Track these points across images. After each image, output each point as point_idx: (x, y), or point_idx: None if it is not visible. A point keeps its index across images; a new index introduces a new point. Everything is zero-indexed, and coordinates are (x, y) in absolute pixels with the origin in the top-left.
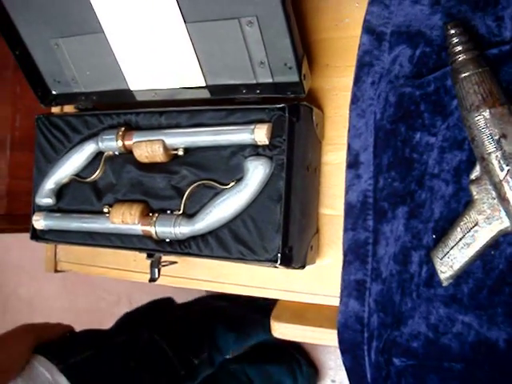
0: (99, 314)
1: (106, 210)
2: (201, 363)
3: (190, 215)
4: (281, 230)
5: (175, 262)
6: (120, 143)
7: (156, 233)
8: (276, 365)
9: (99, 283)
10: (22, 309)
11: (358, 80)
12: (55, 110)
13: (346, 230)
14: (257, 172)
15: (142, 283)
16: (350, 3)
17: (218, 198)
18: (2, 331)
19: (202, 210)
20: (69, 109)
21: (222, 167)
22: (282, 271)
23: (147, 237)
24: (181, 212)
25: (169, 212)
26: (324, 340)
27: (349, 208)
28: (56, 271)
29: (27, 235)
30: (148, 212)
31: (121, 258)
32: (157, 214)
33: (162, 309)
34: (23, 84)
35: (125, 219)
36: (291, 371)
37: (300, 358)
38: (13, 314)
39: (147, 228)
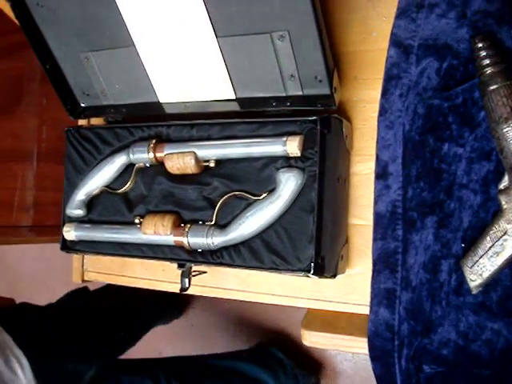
0: None
1: (137, 221)
2: None
3: (222, 226)
4: (314, 240)
5: (205, 272)
6: (151, 155)
7: (188, 243)
8: (251, 363)
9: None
10: None
11: (385, 92)
12: (82, 122)
13: (375, 239)
14: (289, 183)
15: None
16: (378, 17)
17: (250, 208)
18: None
19: (234, 220)
20: (95, 121)
21: (253, 178)
22: (311, 280)
23: (179, 247)
24: (213, 223)
25: (200, 223)
26: (354, 348)
27: (378, 218)
28: (83, 281)
29: (40, 246)
30: (180, 223)
31: (149, 268)
32: (189, 225)
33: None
34: (49, 96)
35: (157, 230)
36: (271, 370)
37: (284, 357)
38: None
39: (179, 238)
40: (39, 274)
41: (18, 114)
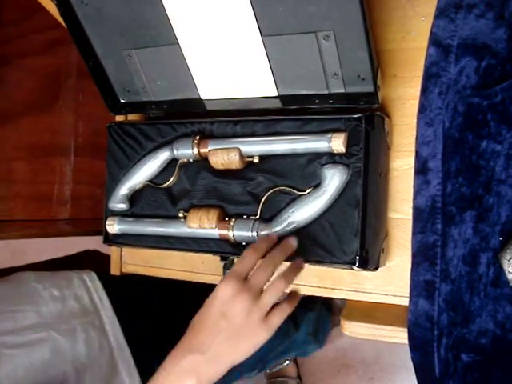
0: None
1: (181, 214)
2: None
3: (266, 219)
4: (358, 234)
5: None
6: (195, 151)
7: (233, 236)
8: None
9: None
10: None
11: (425, 90)
12: (119, 117)
13: (414, 233)
14: (335, 179)
15: None
16: (416, 17)
17: (295, 203)
18: None
19: (279, 214)
20: (132, 117)
21: (298, 174)
22: (350, 273)
23: (223, 240)
24: (257, 217)
25: (245, 217)
26: (394, 338)
27: (417, 212)
28: (121, 273)
29: (62, 239)
30: (224, 216)
31: (188, 260)
32: (234, 219)
33: None
34: (85, 92)
35: (202, 224)
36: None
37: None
38: None
39: (224, 232)
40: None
41: (56, 109)
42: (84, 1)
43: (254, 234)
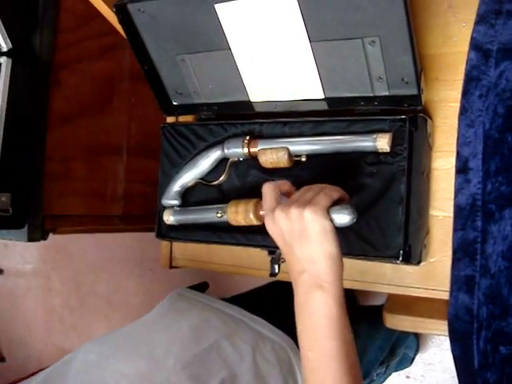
0: None
1: (219, 215)
2: None
3: None
4: (402, 230)
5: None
6: (246, 150)
7: None
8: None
9: (176, 280)
10: (99, 305)
11: (466, 93)
12: (169, 119)
13: (455, 230)
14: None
15: None
16: (457, 22)
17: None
18: (80, 326)
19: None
20: (182, 118)
21: (343, 172)
22: (392, 268)
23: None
24: None
25: None
26: (434, 330)
27: (458, 210)
28: (171, 267)
29: (104, 235)
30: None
31: (235, 255)
32: None
33: None
34: (137, 95)
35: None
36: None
37: None
38: (90, 309)
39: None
40: (101, 264)
41: (110, 111)
42: (141, 8)
43: None
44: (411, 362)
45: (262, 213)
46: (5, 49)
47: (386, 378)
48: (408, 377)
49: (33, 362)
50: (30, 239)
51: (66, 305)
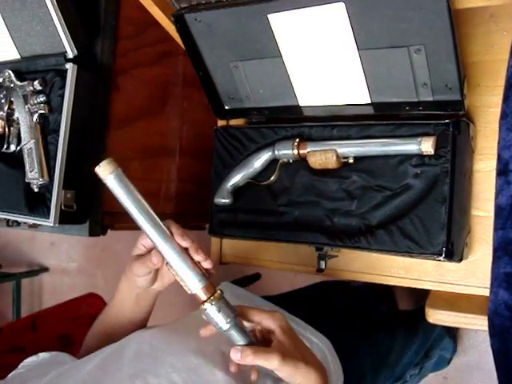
0: None
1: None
2: None
3: (361, 214)
4: (445, 228)
5: (336, 256)
6: (295, 152)
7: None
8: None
9: (218, 279)
10: None
11: (507, 98)
12: (221, 122)
13: (496, 229)
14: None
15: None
16: (499, 31)
17: (388, 199)
18: None
19: (373, 209)
20: (232, 121)
21: (389, 173)
22: (434, 265)
23: (319, 232)
24: (353, 210)
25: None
26: (475, 325)
27: (499, 210)
28: (221, 263)
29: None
30: None
31: (283, 252)
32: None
33: None
34: (189, 100)
35: None
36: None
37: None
38: None
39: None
40: None
41: (165, 114)
42: (197, 18)
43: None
44: (448, 363)
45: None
46: (71, 55)
47: (420, 379)
48: (445, 377)
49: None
50: (91, 234)
51: None
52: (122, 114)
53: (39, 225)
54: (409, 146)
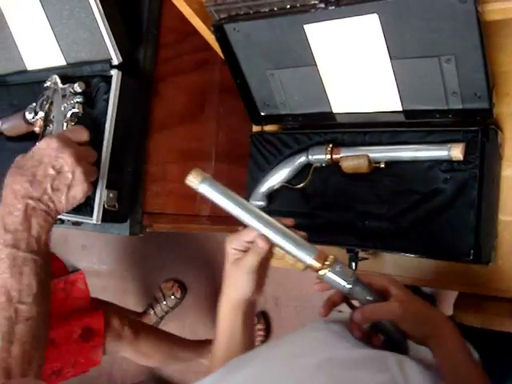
0: None
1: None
2: None
3: (392, 217)
4: (473, 231)
5: (366, 258)
6: (328, 156)
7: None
8: None
9: None
10: None
11: None
12: (255, 128)
13: None
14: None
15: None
16: None
17: (418, 203)
18: None
19: (404, 213)
20: (266, 127)
21: (419, 178)
22: (462, 268)
23: (351, 234)
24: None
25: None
26: (502, 327)
27: None
28: None
29: (177, 239)
30: None
31: None
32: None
33: None
34: (225, 106)
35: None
36: None
37: None
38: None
39: None
40: (174, 266)
41: (202, 120)
42: (236, 28)
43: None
44: None
45: None
46: (116, 62)
47: None
48: None
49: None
50: (132, 233)
51: (140, 303)
52: (161, 118)
53: (82, 223)
54: (439, 152)
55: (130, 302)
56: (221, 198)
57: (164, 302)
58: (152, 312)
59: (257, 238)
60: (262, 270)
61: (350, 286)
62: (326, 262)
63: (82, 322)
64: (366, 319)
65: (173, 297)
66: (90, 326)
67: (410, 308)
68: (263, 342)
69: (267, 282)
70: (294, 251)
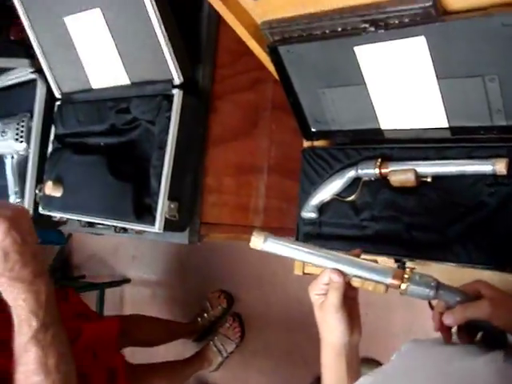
0: None
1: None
2: None
3: (438, 228)
4: None
5: (413, 268)
6: (377, 171)
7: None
8: None
9: (293, 291)
10: None
11: None
12: (306, 143)
13: None
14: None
15: None
16: None
17: (464, 215)
18: None
19: (450, 224)
20: (317, 143)
21: (465, 192)
22: (505, 278)
23: (398, 244)
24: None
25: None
26: None
27: None
28: (304, 274)
29: (227, 250)
30: None
31: None
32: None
33: None
34: (277, 122)
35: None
36: None
37: None
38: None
39: None
40: (221, 277)
41: (255, 135)
42: (290, 50)
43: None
44: None
45: None
46: (177, 82)
47: None
48: None
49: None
50: (190, 242)
51: (187, 313)
52: (218, 134)
53: (144, 231)
54: (483, 167)
55: (178, 311)
56: (286, 250)
57: (211, 312)
58: (199, 320)
59: (331, 275)
60: (351, 307)
61: (434, 292)
62: (405, 276)
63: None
64: (458, 320)
65: (219, 307)
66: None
67: (501, 305)
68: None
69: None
70: (371, 276)
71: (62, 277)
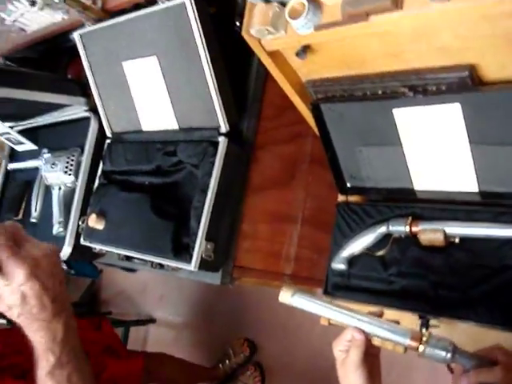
0: None
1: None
2: None
3: (463, 288)
4: None
5: (437, 326)
6: (407, 228)
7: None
8: None
9: (318, 345)
10: None
11: None
12: (341, 198)
13: None
14: None
15: None
16: None
17: (489, 277)
18: None
19: (475, 285)
20: (352, 198)
21: (491, 254)
22: None
23: (423, 301)
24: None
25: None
26: None
27: None
28: (329, 324)
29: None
30: None
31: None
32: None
33: None
34: (314, 175)
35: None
36: None
37: None
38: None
39: None
40: (244, 324)
41: (292, 186)
42: (331, 107)
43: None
44: None
45: None
46: (223, 130)
47: None
48: None
49: None
50: (222, 282)
51: (210, 357)
52: (257, 182)
53: (180, 269)
54: (509, 232)
55: (200, 355)
56: (314, 306)
57: (233, 359)
58: (220, 367)
59: (353, 333)
60: (372, 364)
61: (450, 355)
62: (423, 339)
63: None
64: (472, 383)
65: (242, 355)
66: None
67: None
68: None
69: None
70: (390, 337)
71: (88, 311)
